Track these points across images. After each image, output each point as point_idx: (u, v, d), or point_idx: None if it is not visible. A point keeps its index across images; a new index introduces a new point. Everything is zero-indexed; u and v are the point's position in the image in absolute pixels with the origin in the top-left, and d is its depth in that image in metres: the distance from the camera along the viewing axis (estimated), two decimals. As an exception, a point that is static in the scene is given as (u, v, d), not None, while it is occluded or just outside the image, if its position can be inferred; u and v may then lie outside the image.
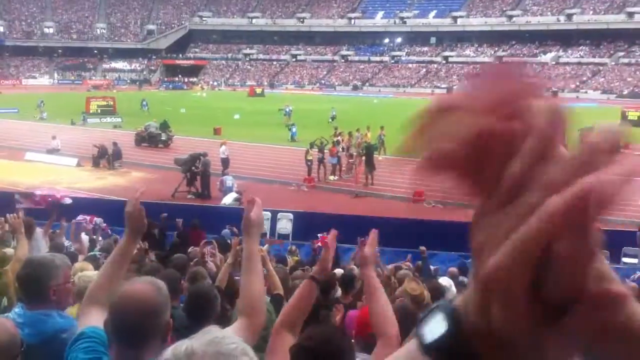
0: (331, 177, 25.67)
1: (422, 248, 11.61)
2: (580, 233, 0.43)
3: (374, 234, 3.35)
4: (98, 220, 13.17)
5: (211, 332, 1.45)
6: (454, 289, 8.26)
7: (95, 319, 2.62)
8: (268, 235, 17.83)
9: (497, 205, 0.47)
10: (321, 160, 25.32)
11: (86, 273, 5.01)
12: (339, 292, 6.93)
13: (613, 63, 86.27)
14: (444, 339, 0.51)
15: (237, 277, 5.83)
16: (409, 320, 4.69)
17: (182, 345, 1.38)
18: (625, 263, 15.10)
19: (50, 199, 11.86)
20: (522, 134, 0.48)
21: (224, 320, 4.62)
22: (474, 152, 0.49)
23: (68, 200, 10.50)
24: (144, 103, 50.69)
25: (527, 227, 0.44)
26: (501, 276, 0.44)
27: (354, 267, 9.05)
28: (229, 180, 22.24)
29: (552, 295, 0.44)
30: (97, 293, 2.75)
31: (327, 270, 3.26)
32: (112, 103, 47.61)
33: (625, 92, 77.11)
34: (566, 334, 0.46)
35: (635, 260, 14.91)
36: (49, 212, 10.08)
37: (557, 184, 0.44)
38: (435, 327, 0.53)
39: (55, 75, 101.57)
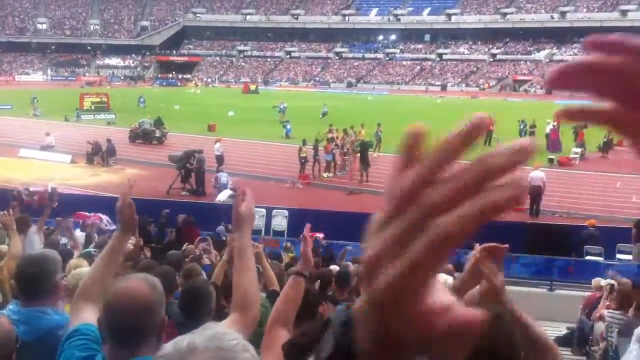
0: (325, 175, 25.67)
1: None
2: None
3: (307, 229, 3.35)
4: (105, 218, 13.20)
5: (212, 328, 1.44)
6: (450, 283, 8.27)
7: (88, 316, 2.60)
8: (263, 233, 17.86)
9: (388, 218, 0.47)
10: (315, 157, 25.34)
11: (79, 270, 5.00)
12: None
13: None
14: (333, 349, 0.52)
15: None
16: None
17: (184, 340, 1.37)
18: (619, 259, 15.18)
19: (42, 196, 11.83)
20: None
21: (221, 317, 4.62)
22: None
23: (54, 203, 10.49)
24: (141, 100, 50.18)
25: (421, 245, 0.44)
26: (397, 289, 0.44)
27: (349, 263, 9.08)
28: (223, 177, 22.22)
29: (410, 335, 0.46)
30: (90, 289, 2.73)
31: (309, 263, 3.29)
32: (105, 99, 47.48)
33: (619, 89, 77.28)
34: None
35: (629, 257, 14.99)
36: (42, 209, 10.05)
37: (443, 204, 0.44)
38: (327, 342, 0.54)
39: (49, 71, 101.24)
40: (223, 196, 20.65)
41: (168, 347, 1.38)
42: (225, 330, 1.45)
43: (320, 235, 13.13)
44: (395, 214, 0.46)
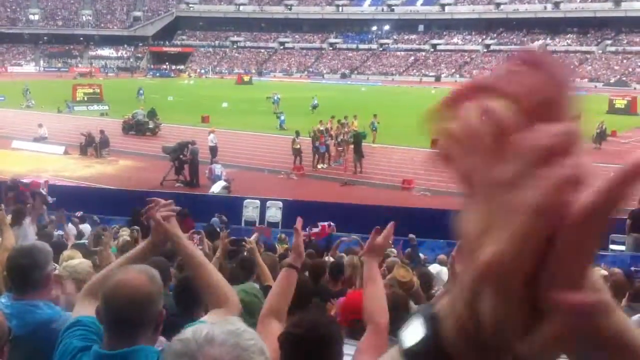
0: (320, 166, 25.66)
1: (412, 236, 11.65)
2: (588, 228, 0.43)
3: (391, 227, 3.34)
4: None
5: (234, 323, 1.46)
6: (443, 275, 8.29)
7: (92, 310, 2.61)
8: (257, 224, 17.84)
9: (489, 197, 0.47)
10: (326, 148, 25.45)
11: (72, 262, 4.98)
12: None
13: (600, 51, 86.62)
14: (422, 343, 0.52)
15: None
16: (400, 308, 4.71)
17: (204, 329, 1.40)
18: (613, 250, 15.23)
19: (33, 189, 11.79)
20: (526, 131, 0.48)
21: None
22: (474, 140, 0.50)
23: (50, 199, 10.45)
24: (141, 92, 49.64)
25: (529, 218, 0.43)
26: (501, 264, 0.44)
27: (343, 255, 9.08)
28: (217, 169, 22.19)
29: (547, 292, 0.44)
30: (99, 287, 2.73)
31: (301, 255, 3.32)
32: (98, 91, 47.30)
33: (612, 80, 77.49)
34: (542, 341, 0.45)
35: (622, 247, 15.03)
36: (35, 201, 10.01)
37: (553, 187, 0.44)
38: (414, 332, 0.53)
39: (41, 62, 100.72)
40: (217, 187, 20.62)
41: (187, 332, 1.40)
42: (245, 328, 1.46)
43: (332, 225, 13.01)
44: (501, 191, 0.46)
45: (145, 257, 2.91)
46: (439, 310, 0.52)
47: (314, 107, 43.05)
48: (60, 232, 10.14)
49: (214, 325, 1.43)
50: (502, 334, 0.46)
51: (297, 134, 25.13)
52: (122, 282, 2.29)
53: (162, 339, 2.56)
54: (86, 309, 2.62)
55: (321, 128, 26.11)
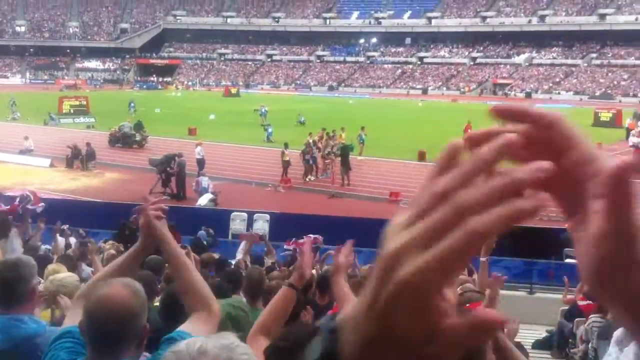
0: (308, 178, 25.65)
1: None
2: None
3: (349, 244, 3.36)
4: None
5: (227, 338, 1.46)
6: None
7: None
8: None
9: (415, 217, 0.50)
10: (314, 160, 25.46)
11: (57, 276, 4.95)
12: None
13: (585, 64, 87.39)
14: (321, 359, 0.54)
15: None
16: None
17: (197, 342, 1.40)
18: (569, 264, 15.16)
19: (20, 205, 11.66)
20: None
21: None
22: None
23: (39, 209, 10.32)
24: (132, 105, 49.13)
25: (451, 241, 0.46)
26: (422, 280, 0.47)
27: (330, 267, 9.07)
28: (204, 181, 22.15)
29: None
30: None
31: (305, 277, 3.25)
32: (85, 103, 47.14)
33: (597, 93, 78.12)
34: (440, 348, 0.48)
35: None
36: (23, 215, 9.90)
37: (474, 206, 0.47)
38: (315, 347, 0.55)
39: (27, 74, 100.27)
40: (204, 200, 20.57)
41: (181, 345, 1.41)
42: (238, 343, 1.46)
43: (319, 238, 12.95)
44: (425, 212, 0.49)
45: (136, 261, 2.88)
46: (341, 323, 0.54)
47: (301, 122, 42.75)
48: (48, 246, 10.05)
49: (207, 339, 1.43)
50: (406, 345, 0.49)
51: (286, 146, 25.12)
52: (105, 297, 2.27)
53: (146, 354, 2.54)
54: (78, 319, 2.60)
55: (309, 140, 26.14)
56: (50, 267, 6.18)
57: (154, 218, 2.71)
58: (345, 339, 0.53)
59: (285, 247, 12.84)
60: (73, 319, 2.64)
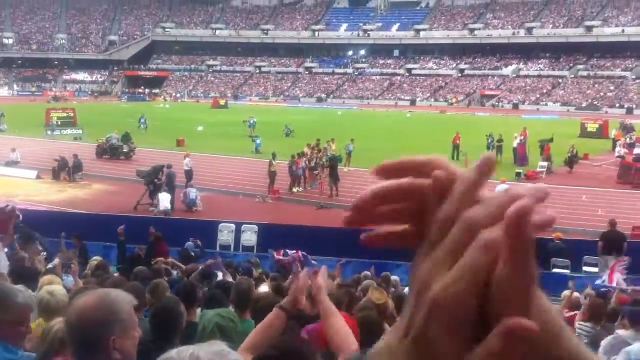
0: (296, 189, 25.65)
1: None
2: (520, 257, 0.46)
3: (323, 269, 3.40)
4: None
5: (219, 345, 1.46)
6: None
7: None
8: (232, 248, 17.73)
9: (432, 245, 0.52)
10: (302, 172, 25.53)
11: (52, 287, 4.91)
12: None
13: (572, 76, 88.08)
14: None
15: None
16: (374, 330, 4.70)
17: (188, 350, 1.40)
18: (586, 272, 15.40)
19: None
20: (450, 182, 0.54)
21: (189, 335, 4.57)
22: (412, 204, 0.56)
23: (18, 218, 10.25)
24: (142, 120, 46.91)
25: (468, 256, 0.47)
26: (449, 295, 0.47)
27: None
28: (192, 193, 22.10)
29: (495, 317, 0.47)
30: None
31: (298, 303, 3.24)
32: (72, 115, 46.97)
33: (584, 104, 78.70)
34: None
35: (595, 269, 15.22)
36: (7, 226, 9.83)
37: (483, 221, 0.49)
38: None
39: (15, 86, 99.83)
40: (164, 204, 20.66)
41: (172, 353, 1.40)
42: (230, 350, 1.46)
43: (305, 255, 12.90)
44: (440, 237, 0.51)
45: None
46: (372, 356, 0.53)
47: (287, 134, 43.02)
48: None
49: (199, 347, 1.42)
50: None
51: (274, 156, 25.11)
52: (73, 306, 2.32)
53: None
54: None
55: (299, 152, 26.12)
56: (45, 277, 6.23)
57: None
58: None
59: (276, 257, 12.83)
60: None
